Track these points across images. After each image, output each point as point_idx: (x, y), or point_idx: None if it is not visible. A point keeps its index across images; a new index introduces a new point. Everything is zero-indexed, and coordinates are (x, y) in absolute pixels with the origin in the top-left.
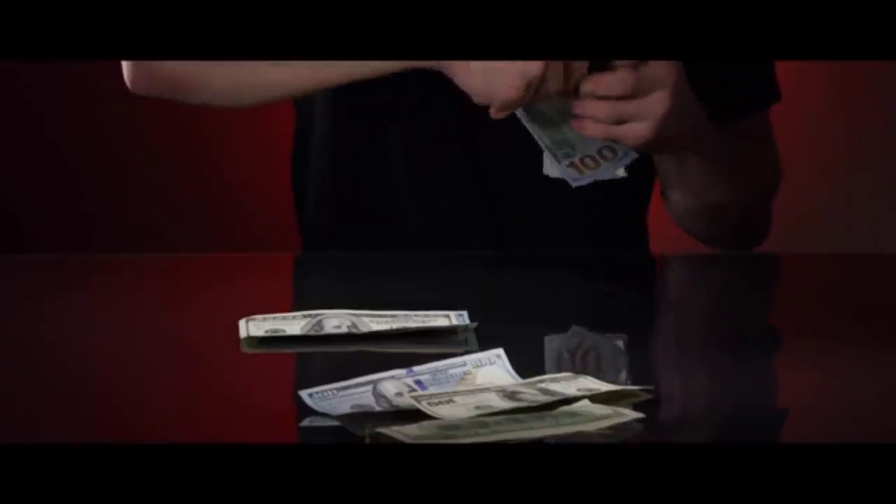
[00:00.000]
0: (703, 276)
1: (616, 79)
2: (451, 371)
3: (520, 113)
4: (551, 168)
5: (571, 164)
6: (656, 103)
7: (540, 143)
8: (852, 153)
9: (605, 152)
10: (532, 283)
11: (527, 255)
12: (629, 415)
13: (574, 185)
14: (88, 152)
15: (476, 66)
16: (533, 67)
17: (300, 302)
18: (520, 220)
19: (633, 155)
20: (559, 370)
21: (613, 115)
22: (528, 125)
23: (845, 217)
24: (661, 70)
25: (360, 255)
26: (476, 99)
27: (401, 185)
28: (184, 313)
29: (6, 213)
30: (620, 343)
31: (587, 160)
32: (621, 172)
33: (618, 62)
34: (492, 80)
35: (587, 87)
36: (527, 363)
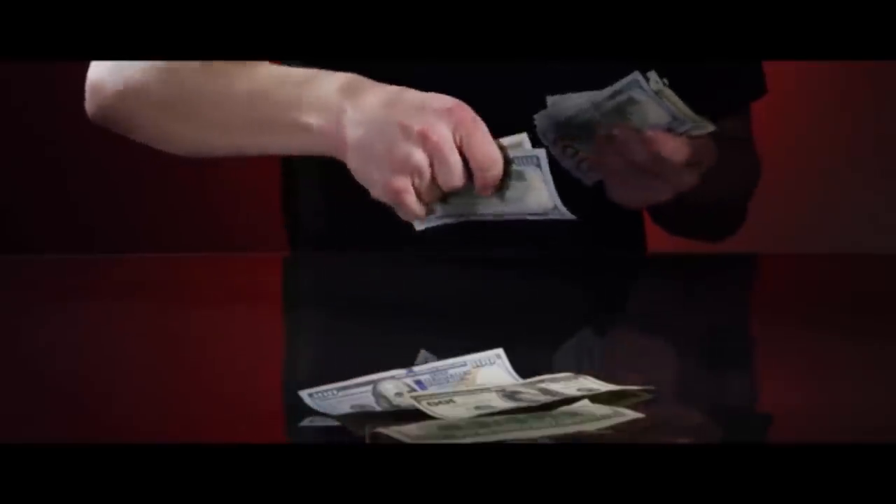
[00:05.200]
0: (702, 276)
1: (639, 148)
2: (451, 371)
3: None
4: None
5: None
6: (663, 192)
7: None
8: (852, 153)
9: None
10: (531, 282)
11: (524, 255)
12: (629, 415)
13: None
14: (88, 152)
15: (359, 153)
16: (412, 155)
17: (298, 301)
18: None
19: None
20: (559, 370)
21: (621, 174)
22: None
23: (845, 217)
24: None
25: (352, 256)
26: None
27: None
28: (184, 313)
29: (6, 213)
30: (620, 342)
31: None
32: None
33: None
34: (371, 174)
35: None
36: (527, 363)
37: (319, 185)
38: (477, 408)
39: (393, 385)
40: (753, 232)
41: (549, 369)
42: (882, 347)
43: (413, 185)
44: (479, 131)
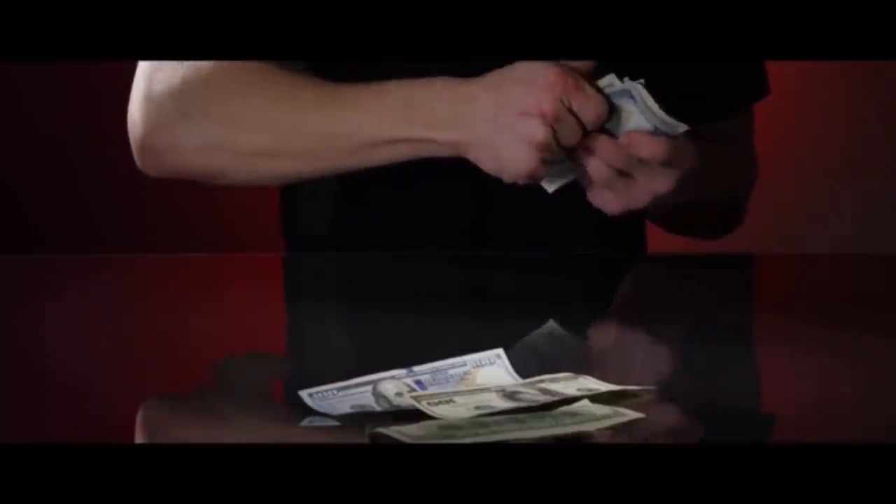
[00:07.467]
0: (702, 275)
1: (618, 153)
2: (451, 371)
3: None
4: None
5: None
6: (641, 196)
7: None
8: (852, 153)
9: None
10: (530, 282)
11: (523, 254)
12: (629, 415)
13: None
14: (90, 152)
15: (486, 147)
16: (538, 133)
17: (298, 301)
18: (512, 219)
19: (571, 178)
20: (559, 370)
21: (603, 181)
22: None
23: (845, 217)
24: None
25: (352, 256)
26: (499, 175)
27: (390, 184)
28: (184, 313)
29: (7, 213)
30: (620, 342)
31: None
32: (549, 187)
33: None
34: (503, 161)
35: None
36: (527, 363)
37: (318, 187)
38: (477, 408)
39: (393, 385)
40: (753, 232)
41: (550, 369)
42: (882, 348)
43: (542, 156)
44: (583, 92)
